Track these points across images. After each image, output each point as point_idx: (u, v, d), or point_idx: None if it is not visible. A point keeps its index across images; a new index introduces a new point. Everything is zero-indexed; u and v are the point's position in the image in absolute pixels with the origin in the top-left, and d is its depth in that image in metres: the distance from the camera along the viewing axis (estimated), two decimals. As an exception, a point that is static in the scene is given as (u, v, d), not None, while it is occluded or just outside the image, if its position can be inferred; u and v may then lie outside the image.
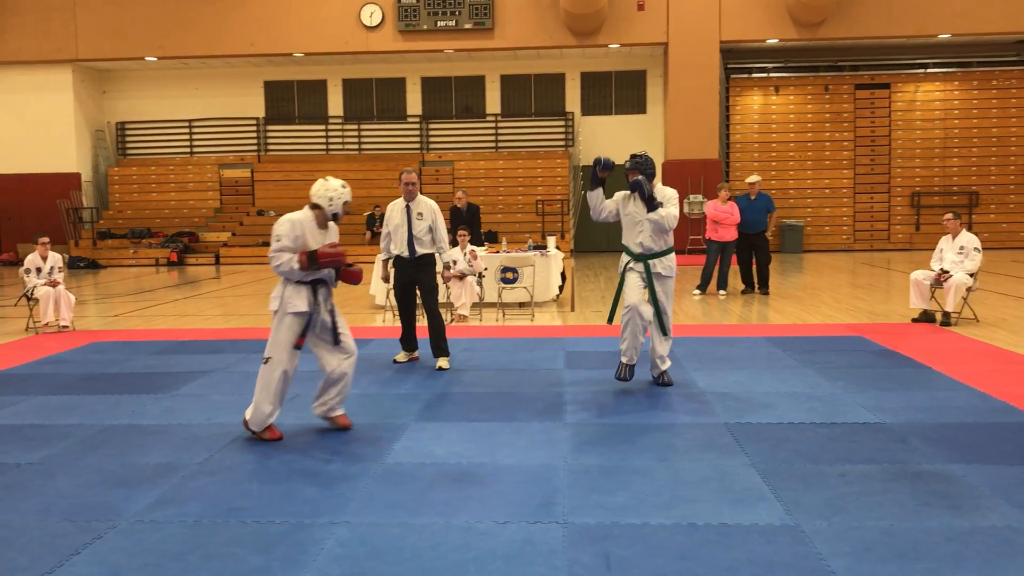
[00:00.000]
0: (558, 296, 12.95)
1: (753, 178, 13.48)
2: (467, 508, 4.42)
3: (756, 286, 13.41)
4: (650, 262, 6.74)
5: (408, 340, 8.33)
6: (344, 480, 4.87)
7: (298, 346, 5.59)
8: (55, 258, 11.03)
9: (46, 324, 10.60)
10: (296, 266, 5.47)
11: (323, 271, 5.62)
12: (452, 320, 10.94)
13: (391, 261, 8.17)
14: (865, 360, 8.03)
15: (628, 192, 6.80)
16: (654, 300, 6.77)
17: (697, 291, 13.39)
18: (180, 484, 4.86)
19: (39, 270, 10.84)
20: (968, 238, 10.18)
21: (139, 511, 4.45)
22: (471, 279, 11.09)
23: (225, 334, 10.16)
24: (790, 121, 22.89)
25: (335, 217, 5.66)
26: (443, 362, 7.97)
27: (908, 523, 4.14)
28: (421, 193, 8.11)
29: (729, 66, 22.59)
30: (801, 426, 5.83)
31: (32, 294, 10.74)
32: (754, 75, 22.88)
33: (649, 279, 6.73)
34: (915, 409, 6.21)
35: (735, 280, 14.14)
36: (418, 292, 8.22)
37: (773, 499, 4.47)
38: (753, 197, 13.25)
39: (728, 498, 4.50)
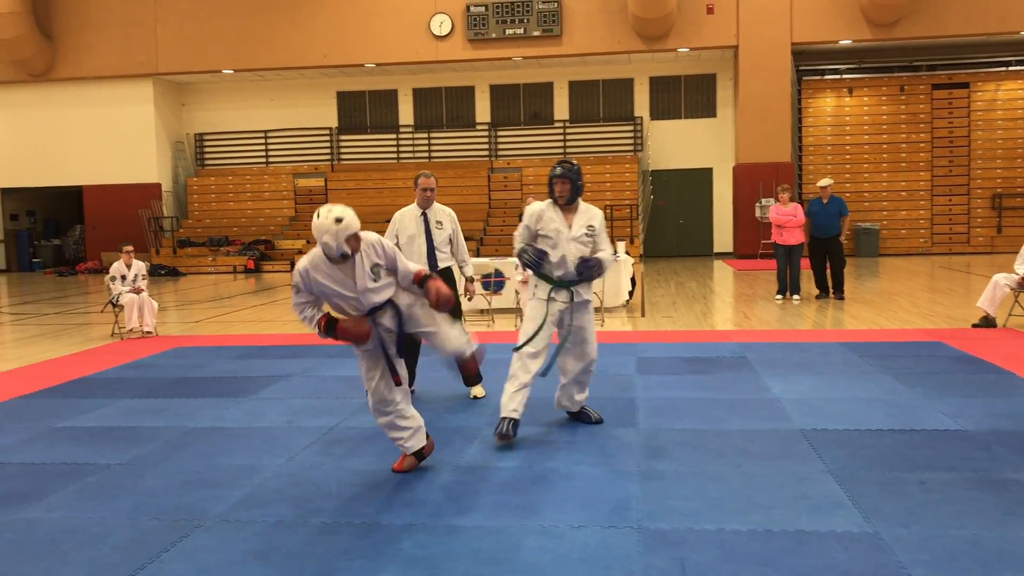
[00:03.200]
0: (628, 301, 12.91)
1: (824, 181, 13.26)
2: (542, 512, 4.46)
3: (831, 291, 13.20)
4: (574, 289, 5.86)
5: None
6: (420, 482, 4.96)
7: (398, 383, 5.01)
8: (139, 266, 11.40)
9: (131, 330, 10.97)
10: (315, 329, 4.78)
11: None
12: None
13: None
14: (944, 366, 7.85)
15: (540, 214, 5.77)
16: (566, 331, 5.93)
17: (779, 296, 13.23)
18: (262, 485, 5.00)
19: (124, 278, 11.23)
20: None
21: (224, 511, 4.59)
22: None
23: (302, 339, 10.37)
24: (864, 123, 22.42)
25: (344, 257, 4.66)
26: (477, 390, 7.05)
27: (993, 532, 4.05)
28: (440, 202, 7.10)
29: (801, 68, 22.25)
30: (879, 433, 5.73)
31: (117, 301, 11.12)
32: (827, 77, 22.48)
33: (571, 308, 5.87)
34: (998, 416, 6.06)
35: (809, 284, 13.93)
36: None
37: (851, 506, 4.41)
38: (825, 201, 13.03)
39: (805, 505, 4.46)
